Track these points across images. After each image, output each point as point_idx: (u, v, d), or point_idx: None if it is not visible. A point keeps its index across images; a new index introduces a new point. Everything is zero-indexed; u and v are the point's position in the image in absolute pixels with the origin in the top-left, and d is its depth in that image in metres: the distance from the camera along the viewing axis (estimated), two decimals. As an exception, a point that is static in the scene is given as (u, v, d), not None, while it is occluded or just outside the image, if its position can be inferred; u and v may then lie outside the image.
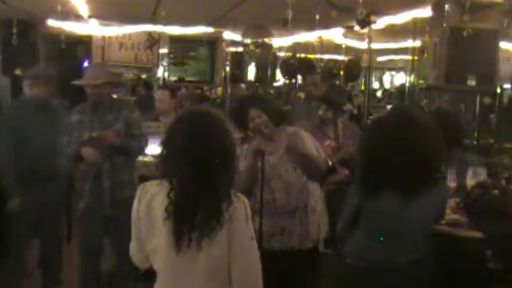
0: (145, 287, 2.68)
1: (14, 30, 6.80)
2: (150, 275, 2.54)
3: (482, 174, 3.87)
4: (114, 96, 9.05)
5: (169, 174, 2.35)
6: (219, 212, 2.29)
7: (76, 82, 4.52)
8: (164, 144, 2.41)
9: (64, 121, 4.58)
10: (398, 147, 2.85)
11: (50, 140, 4.60)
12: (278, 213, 3.72)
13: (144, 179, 2.57)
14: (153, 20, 8.69)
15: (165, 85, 6.84)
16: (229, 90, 11.62)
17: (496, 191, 3.66)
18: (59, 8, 6.54)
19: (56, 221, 5.22)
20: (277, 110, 3.94)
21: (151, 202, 2.37)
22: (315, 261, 3.84)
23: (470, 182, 3.78)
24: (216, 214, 2.29)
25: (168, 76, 10.37)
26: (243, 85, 11.29)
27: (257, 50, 8.35)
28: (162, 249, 2.36)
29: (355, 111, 8.60)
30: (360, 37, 8.67)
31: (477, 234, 3.44)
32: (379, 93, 15.12)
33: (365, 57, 8.88)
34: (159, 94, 6.00)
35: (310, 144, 3.86)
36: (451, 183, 3.73)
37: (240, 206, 2.37)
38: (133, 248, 2.52)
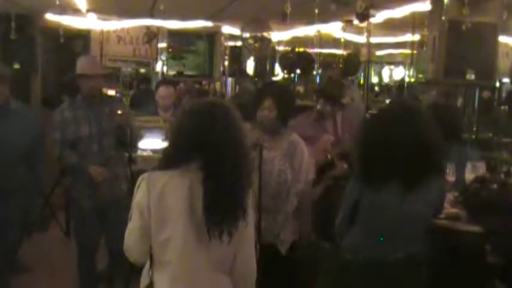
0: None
1: (13, 24, 6.77)
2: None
3: (481, 169, 3.87)
4: (113, 91, 9.11)
5: (185, 163, 2.35)
6: (245, 203, 2.34)
7: (83, 71, 4.40)
8: (178, 134, 2.41)
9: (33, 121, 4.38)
10: (397, 140, 2.85)
11: (7, 147, 4.04)
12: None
13: (141, 173, 2.54)
14: (152, 14, 8.67)
15: (168, 81, 6.76)
16: (228, 84, 11.62)
17: (494, 185, 3.65)
18: (57, 2, 6.52)
19: (9, 245, 4.31)
20: (290, 108, 3.84)
21: (163, 192, 2.35)
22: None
23: (469, 176, 3.79)
24: (242, 205, 2.33)
25: (167, 70, 10.36)
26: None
27: (256, 44, 8.33)
28: (178, 239, 2.34)
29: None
30: (358, 31, 8.65)
31: (476, 228, 3.44)
32: (376, 88, 15.10)
33: (364, 51, 8.87)
34: (163, 91, 5.83)
35: (305, 159, 3.75)
36: (450, 177, 3.73)
37: (249, 197, 2.43)
38: (131, 242, 2.46)
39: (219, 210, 2.30)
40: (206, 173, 2.31)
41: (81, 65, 4.48)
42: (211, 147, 2.31)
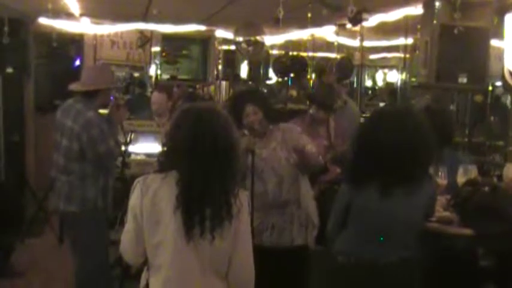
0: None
1: (5, 28, 6.76)
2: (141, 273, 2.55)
3: (473, 172, 3.86)
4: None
5: (176, 166, 2.38)
6: (228, 204, 2.34)
7: (113, 85, 4.47)
8: (170, 138, 2.44)
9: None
10: (386, 143, 2.88)
11: None
12: (269, 206, 3.73)
13: (135, 177, 2.56)
14: (145, 18, 8.67)
15: (162, 86, 6.70)
16: (223, 88, 11.61)
17: (486, 188, 3.65)
18: (50, 6, 6.51)
19: None
20: (270, 105, 4.02)
21: (156, 195, 2.37)
22: (305, 258, 3.86)
23: (460, 179, 3.79)
24: (225, 206, 2.34)
25: (160, 74, 10.35)
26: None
27: (249, 48, 8.32)
28: (169, 242, 2.36)
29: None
30: (352, 35, 8.68)
31: (468, 231, 3.45)
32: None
33: (357, 55, 8.89)
34: (156, 97, 5.79)
35: (307, 140, 3.90)
36: (442, 181, 3.73)
37: (245, 199, 2.45)
38: (126, 244, 2.51)
39: (192, 210, 2.32)
40: (180, 175, 2.34)
41: (108, 77, 4.43)
42: (198, 150, 2.33)
